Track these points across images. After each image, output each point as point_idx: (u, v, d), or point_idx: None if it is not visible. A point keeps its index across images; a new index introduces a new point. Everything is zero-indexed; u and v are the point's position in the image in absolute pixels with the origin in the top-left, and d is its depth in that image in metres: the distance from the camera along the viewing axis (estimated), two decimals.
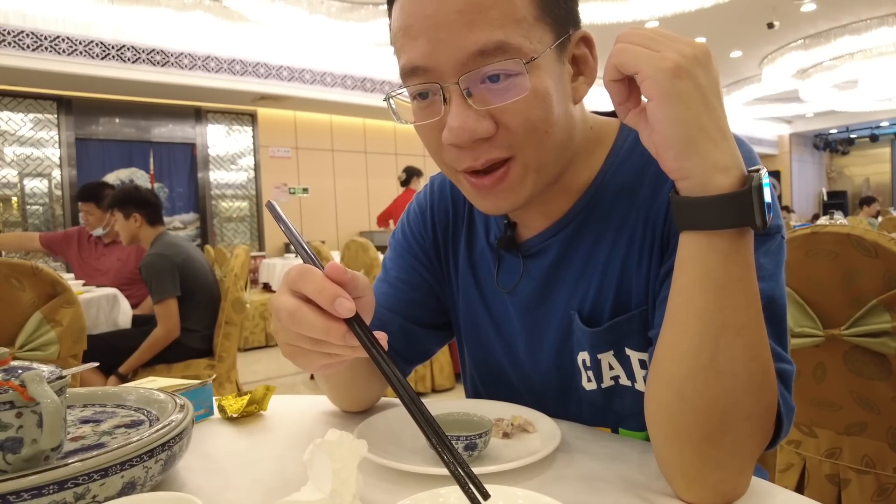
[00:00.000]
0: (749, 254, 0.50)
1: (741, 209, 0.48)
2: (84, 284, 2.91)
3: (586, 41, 0.64)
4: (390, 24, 0.64)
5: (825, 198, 14.56)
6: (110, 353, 2.50)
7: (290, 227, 0.53)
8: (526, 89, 0.57)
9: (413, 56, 0.59)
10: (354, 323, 0.48)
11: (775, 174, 14.59)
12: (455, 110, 0.58)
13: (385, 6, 0.66)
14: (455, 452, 0.45)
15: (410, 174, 5.56)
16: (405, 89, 0.62)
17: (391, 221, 5.86)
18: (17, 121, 6.35)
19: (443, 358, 3.68)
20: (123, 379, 2.51)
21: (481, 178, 0.62)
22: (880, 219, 6.71)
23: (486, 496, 0.43)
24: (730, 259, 0.49)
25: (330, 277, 0.48)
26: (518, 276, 0.75)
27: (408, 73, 0.60)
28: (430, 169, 0.71)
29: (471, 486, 0.43)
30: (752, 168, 0.50)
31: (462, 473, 0.43)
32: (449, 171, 0.67)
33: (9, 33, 5.38)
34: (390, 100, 0.64)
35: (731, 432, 0.50)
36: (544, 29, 0.59)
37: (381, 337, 0.49)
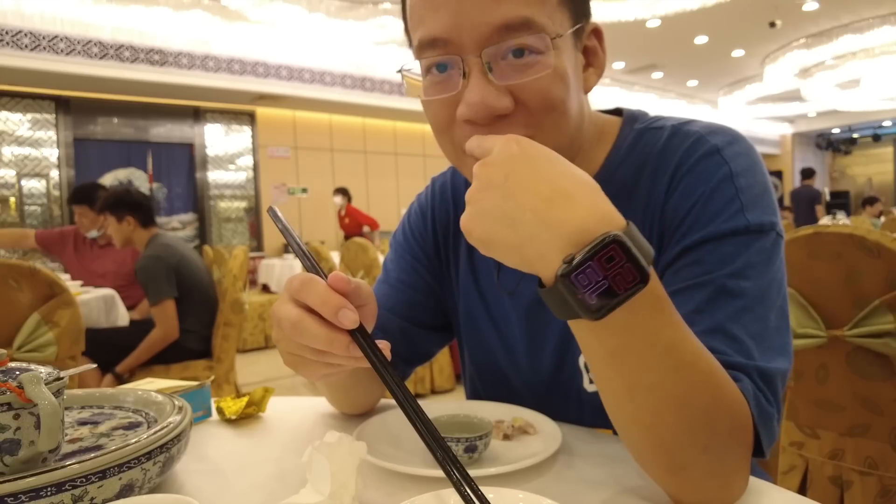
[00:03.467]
0: (636, 322, 0.44)
1: (559, 304, 0.44)
2: (82, 285, 2.90)
3: (597, 33, 0.65)
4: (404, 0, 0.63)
5: (828, 198, 14.57)
6: (109, 350, 2.50)
7: (291, 233, 0.52)
8: (549, 66, 0.57)
9: (434, 27, 0.57)
10: (357, 333, 0.48)
11: (777, 174, 14.60)
12: (474, 84, 0.57)
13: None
14: (461, 469, 0.44)
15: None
16: (417, 63, 0.61)
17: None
18: (14, 121, 6.35)
19: (443, 359, 3.68)
20: (120, 378, 2.51)
21: None
22: (883, 219, 6.71)
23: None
24: (603, 335, 0.46)
25: (333, 287, 0.48)
26: (519, 278, 0.75)
27: (426, 44, 0.59)
28: (430, 171, 0.68)
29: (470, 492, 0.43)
30: (576, 251, 0.42)
31: (468, 491, 0.43)
32: (455, 154, 0.64)
33: (7, 33, 5.38)
34: (401, 73, 0.63)
35: (692, 465, 0.49)
36: (564, 14, 0.59)
37: (384, 346, 0.49)
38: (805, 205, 8.09)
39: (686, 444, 0.48)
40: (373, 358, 0.48)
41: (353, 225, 7.26)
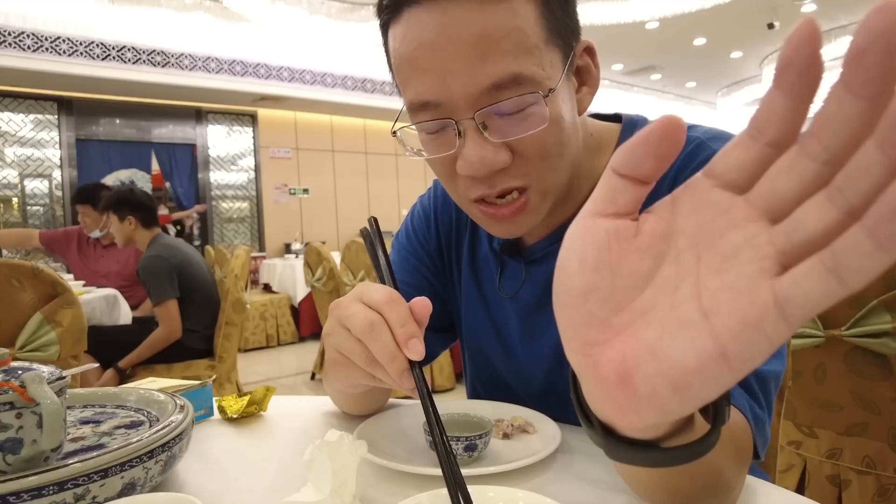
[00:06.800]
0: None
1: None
2: (84, 285, 2.91)
3: (588, 51, 0.64)
4: (388, 49, 0.62)
5: None
6: (111, 347, 2.50)
7: (385, 249, 0.52)
8: (544, 119, 0.56)
9: (422, 91, 0.57)
10: (417, 365, 0.48)
11: None
12: (471, 144, 0.57)
13: None
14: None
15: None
16: (411, 119, 0.60)
17: None
18: (17, 121, 6.35)
19: (443, 359, 3.67)
20: (121, 373, 2.52)
21: (499, 208, 0.61)
22: None
23: None
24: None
25: (415, 315, 0.48)
26: (520, 282, 0.75)
27: (417, 107, 0.58)
28: (431, 172, 0.69)
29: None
30: None
31: None
32: (462, 201, 0.65)
33: (9, 34, 5.39)
34: (396, 134, 0.63)
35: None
36: (554, 51, 0.57)
37: (425, 306, 0.49)
38: None
39: (704, 497, 0.47)
40: (424, 393, 0.48)
41: None
